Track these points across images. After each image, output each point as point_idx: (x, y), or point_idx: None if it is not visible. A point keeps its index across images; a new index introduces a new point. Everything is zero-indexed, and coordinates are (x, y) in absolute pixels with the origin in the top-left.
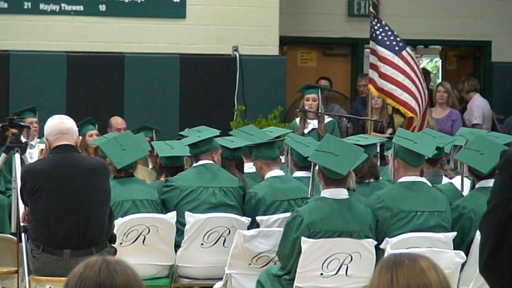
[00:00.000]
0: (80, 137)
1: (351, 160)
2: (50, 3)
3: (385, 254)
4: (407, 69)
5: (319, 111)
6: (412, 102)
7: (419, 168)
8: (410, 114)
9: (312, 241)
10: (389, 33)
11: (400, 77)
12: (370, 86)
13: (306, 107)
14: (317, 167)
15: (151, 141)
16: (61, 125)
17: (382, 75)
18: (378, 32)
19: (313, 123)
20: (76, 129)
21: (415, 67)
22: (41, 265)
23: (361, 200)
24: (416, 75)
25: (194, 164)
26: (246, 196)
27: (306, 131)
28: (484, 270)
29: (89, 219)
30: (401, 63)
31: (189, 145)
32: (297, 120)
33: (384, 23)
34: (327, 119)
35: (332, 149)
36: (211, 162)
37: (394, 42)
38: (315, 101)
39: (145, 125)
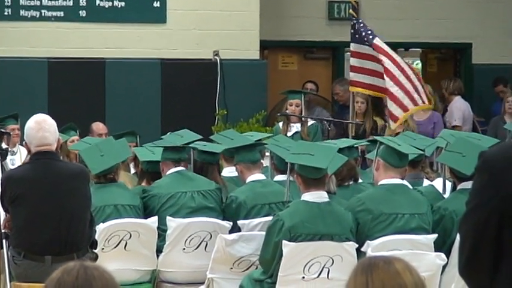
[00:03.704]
0: (61, 139)
1: (328, 156)
2: (31, 9)
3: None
4: (385, 58)
5: (302, 114)
6: (405, 100)
7: (400, 171)
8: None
9: (293, 244)
10: (369, 31)
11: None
12: (355, 88)
13: (288, 111)
14: (295, 175)
15: (135, 146)
16: (41, 133)
17: (371, 73)
18: (359, 32)
19: (296, 127)
20: (57, 131)
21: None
22: (23, 271)
23: (342, 203)
24: (398, 66)
25: (168, 172)
26: (227, 200)
27: (289, 134)
28: (464, 272)
29: (70, 226)
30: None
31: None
32: (280, 124)
33: (362, 24)
34: (310, 122)
35: (308, 151)
36: (184, 169)
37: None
38: (298, 106)
39: (129, 130)
